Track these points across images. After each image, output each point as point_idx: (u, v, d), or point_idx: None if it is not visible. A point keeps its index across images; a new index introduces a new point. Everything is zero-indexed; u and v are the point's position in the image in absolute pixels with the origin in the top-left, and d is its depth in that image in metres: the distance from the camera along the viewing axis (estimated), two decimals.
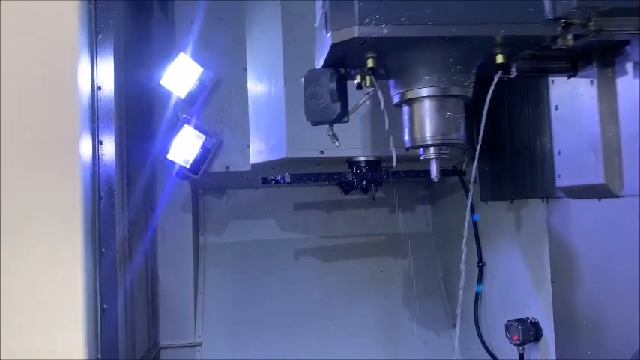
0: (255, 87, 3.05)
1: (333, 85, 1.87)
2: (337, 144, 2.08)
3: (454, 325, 3.87)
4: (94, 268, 1.95)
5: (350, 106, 1.96)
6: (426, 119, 1.84)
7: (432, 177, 1.96)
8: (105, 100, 2.15)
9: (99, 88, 2.08)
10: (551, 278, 2.59)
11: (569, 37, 1.70)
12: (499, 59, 1.80)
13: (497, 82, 1.92)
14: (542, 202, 2.64)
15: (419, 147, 1.92)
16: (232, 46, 3.23)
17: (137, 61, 3.34)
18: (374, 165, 3.09)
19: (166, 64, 3.10)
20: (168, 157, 3.03)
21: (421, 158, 1.96)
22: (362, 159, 2.96)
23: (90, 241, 1.93)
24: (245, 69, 3.10)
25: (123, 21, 2.77)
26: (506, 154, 2.96)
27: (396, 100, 1.92)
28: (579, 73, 2.17)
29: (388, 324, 3.87)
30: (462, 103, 1.89)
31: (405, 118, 1.93)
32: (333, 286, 3.97)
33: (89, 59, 1.99)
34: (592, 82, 2.12)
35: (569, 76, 2.22)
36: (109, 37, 2.22)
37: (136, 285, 3.27)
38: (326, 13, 1.73)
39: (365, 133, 2.80)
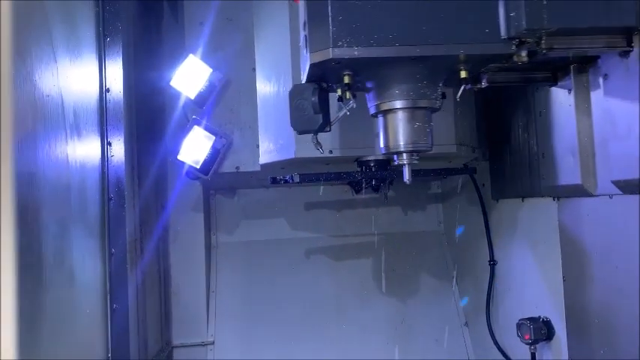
0: (264, 87, 3.05)
1: (315, 99, 2.08)
2: (320, 150, 2.30)
3: (466, 324, 3.85)
4: (103, 269, 1.97)
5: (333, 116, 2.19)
6: (398, 129, 2.06)
7: (405, 180, 2.16)
8: (114, 102, 2.17)
9: (107, 90, 2.10)
10: (563, 277, 2.57)
11: (523, 53, 1.89)
12: (462, 74, 1.99)
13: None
14: (554, 200, 2.61)
15: (393, 154, 2.14)
16: (241, 47, 3.24)
17: (147, 63, 3.37)
18: (383, 164, 3.09)
19: (176, 66, 3.12)
20: (179, 157, 3.05)
21: (395, 163, 2.16)
22: (371, 158, 2.95)
23: (99, 242, 1.95)
24: (254, 69, 3.10)
25: (132, 22, 2.79)
26: (508, 153, 3.01)
27: (372, 111, 2.14)
28: (559, 83, 2.38)
29: (399, 322, 3.86)
30: (430, 113, 2.10)
31: (380, 127, 2.14)
32: (344, 284, 3.97)
33: (97, 62, 2.01)
34: (570, 91, 2.32)
35: (550, 85, 2.44)
36: (117, 39, 2.24)
37: (147, 285, 3.29)
38: (306, 36, 1.93)
39: (373, 132, 2.79)
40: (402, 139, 2.06)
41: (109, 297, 2.00)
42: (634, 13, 1.89)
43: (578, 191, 2.34)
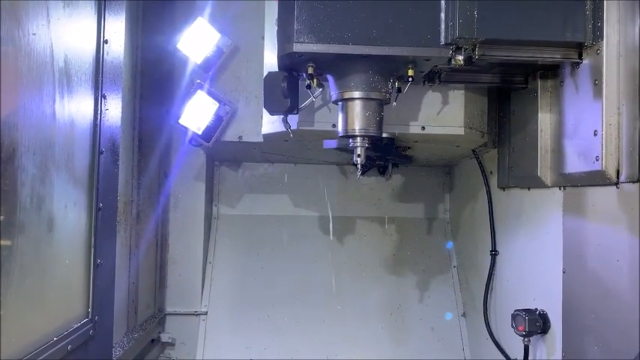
0: (272, 57, 2.98)
1: (284, 85, 2.43)
2: (290, 131, 2.66)
3: (464, 315, 3.78)
4: (89, 222, 1.94)
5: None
6: (354, 116, 2.39)
7: (355, 161, 2.45)
8: (112, 55, 2.11)
9: (105, 41, 2.04)
10: (563, 269, 2.48)
11: (460, 57, 2.22)
12: (410, 72, 2.33)
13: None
14: (560, 189, 2.53)
15: (349, 137, 2.44)
16: (252, 14, 3.18)
17: (158, 24, 3.31)
18: (388, 142, 3.02)
19: (185, 29, 3.07)
20: (180, 121, 3.00)
21: (350, 146, 2.46)
22: (374, 134, 2.87)
23: (85, 195, 1.91)
24: (263, 38, 3.03)
25: None
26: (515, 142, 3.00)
27: (333, 98, 2.46)
28: (529, 86, 2.71)
29: (396, 308, 3.81)
30: (381, 104, 2.43)
31: (339, 113, 2.45)
32: (342, 265, 3.93)
33: (95, 11, 1.96)
34: (536, 94, 2.63)
35: (522, 88, 2.75)
36: None
37: (142, 249, 3.28)
38: (277, 30, 2.35)
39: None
40: (356, 125, 2.38)
41: (93, 251, 1.96)
42: (569, 29, 2.19)
43: (536, 182, 2.67)
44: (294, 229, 4.00)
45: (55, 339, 1.67)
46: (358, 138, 2.43)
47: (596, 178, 2.19)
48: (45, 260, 1.63)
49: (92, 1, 1.97)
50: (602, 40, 2.14)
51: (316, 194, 4.08)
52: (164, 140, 3.48)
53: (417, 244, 4.04)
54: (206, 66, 3.09)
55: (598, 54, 2.17)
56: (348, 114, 2.41)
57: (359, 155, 2.44)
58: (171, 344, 3.63)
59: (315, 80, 2.38)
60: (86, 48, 1.92)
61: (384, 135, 2.90)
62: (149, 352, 3.40)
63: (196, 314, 3.67)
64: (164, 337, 3.58)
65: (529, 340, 2.66)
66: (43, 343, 1.61)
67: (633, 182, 2.01)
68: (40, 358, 1.56)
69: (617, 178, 2.09)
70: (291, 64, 2.38)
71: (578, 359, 2.36)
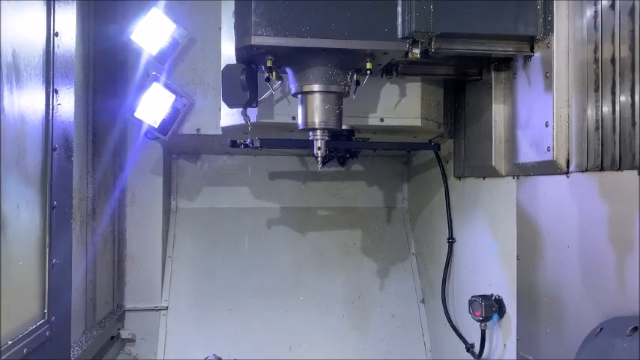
0: (230, 48, 2.94)
1: (243, 78, 2.41)
2: (249, 124, 2.64)
3: (423, 301, 3.87)
4: (42, 221, 1.88)
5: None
6: (314, 109, 2.40)
7: (315, 153, 2.49)
8: (63, 47, 2.04)
9: (56, 34, 1.97)
10: (517, 255, 2.57)
11: (416, 51, 2.26)
12: (368, 65, 2.34)
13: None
14: (513, 179, 2.60)
15: (309, 129, 2.46)
16: (208, 5, 3.12)
17: (111, 16, 3.22)
18: (348, 134, 3.04)
19: (139, 19, 2.99)
20: (136, 115, 2.94)
21: (310, 138, 2.49)
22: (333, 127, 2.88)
23: (39, 194, 1.85)
24: (220, 29, 2.98)
25: None
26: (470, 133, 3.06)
27: (292, 91, 2.47)
28: (483, 78, 2.78)
29: (357, 296, 3.86)
30: (340, 97, 2.45)
31: (299, 106, 2.46)
32: (304, 256, 3.95)
33: (44, 2, 1.89)
34: (490, 86, 2.70)
35: (477, 80, 2.82)
36: None
37: (99, 245, 3.21)
38: (234, 23, 2.31)
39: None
40: (316, 118, 2.40)
41: (47, 251, 1.90)
42: (521, 23, 2.26)
43: (491, 172, 2.75)
44: (254, 221, 3.99)
45: (10, 342, 1.62)
46: (318, 131, 2.45)
47: (548, 168, 2.27)
48: None
49: None
50: (553, 33, 2.21)
51: (277, 186, 4.07)
52: (118, 134, 3.40)
53: (377, 232, 4.10)
54: (161, 58, 3.02)
55: (549, 47, 2.24)
56: (307, 107, 2.41)
57: (319, 148, 2.46)
58: (132, 340, 3.58)
59: (274, 73, 2.37)
60: (36, 41, 1.84)
61: (344, 127, 2.93)
62: (109, 350, 3.34)
63: (157, 309, 3.63)
64: (124, 334, 3.53)
65: (485, 325, 2.75)
66: None
67: (582, 171, 2.09)
68: None
69: (568, 167, 2.17)
70: (250, 57, 2.37)
71: (531, 341, 2.46)
